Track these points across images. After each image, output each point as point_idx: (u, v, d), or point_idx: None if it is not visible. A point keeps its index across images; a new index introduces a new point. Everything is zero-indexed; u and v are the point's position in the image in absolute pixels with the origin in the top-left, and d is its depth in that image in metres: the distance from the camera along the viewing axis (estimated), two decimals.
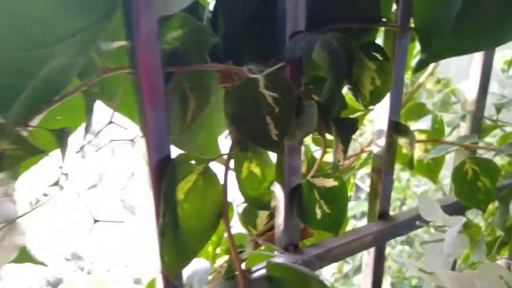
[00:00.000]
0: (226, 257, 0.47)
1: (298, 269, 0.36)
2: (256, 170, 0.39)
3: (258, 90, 0.30)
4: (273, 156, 0.40)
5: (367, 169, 0.96)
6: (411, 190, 1.23)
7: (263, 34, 0.37)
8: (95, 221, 0.27)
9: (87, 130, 0.30)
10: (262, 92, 0.31)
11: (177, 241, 0.32)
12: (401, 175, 1.31)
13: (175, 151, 0.33)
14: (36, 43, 0.23)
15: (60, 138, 0.26)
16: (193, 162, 0.33)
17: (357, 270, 1.00)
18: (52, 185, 0.27)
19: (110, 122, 0.30)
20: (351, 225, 0.79)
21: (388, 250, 1.24)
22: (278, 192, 0.40)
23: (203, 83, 0.32)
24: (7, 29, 0.22)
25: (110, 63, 0.31)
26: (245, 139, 0.33)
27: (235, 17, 0.35)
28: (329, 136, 0.39)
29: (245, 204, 0.46)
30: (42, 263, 0.36)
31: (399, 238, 1.55)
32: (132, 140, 0.33)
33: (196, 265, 0.41)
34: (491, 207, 0.50)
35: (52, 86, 0.26)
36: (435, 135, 0.53)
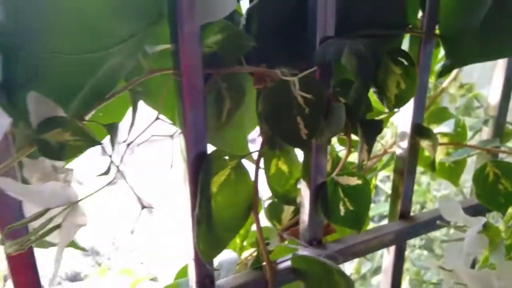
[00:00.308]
0: (252, 250, 0.49)
1: (322, 262, 0.38)
2: (284, 167, 0.41)
3: (290, 92, 0.33)
4: (299, 155, 0.42)
5: (387, 172, 0.97)
6: (431, 194, 1.23)
7: (294, 39, 0.39)
8: (143, 207, 0.29)
9: (132, 125, 0.33)
10: (293, 94, 0.33)
11: (211, 230, 0.34)
12: (421, 178, 1.31)
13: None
14: (96, 47, 0.25)
15: (111, 131, 0.29)
16: (226, 158, 0.35)
17: (376, 271, 1.00)
18: (100, 175, 0.30)
19: (157, 118, 0.32)
20: (369, 227, 0.80)
21: (407, 253, 1.25)
22: (304, 189, 0.42)
23: (238, 84, 0.34)
24: (75, 33, 0.24)
25: (153, 65, 0.33)
26: (276, 137, 0.35)
27: (268, 23, 0.37)
28: (354, 137, 0.41)
29: (271, 200, 0.49)
30: (83, 249, 0.39)
31: (418, 243, 1.54)
32: (171, 136, 0.35)
33: (225, 256, 0.43)
34: (511, 210, 0.51)
35: (105, 85, 0.29)
36: (457, 139, 0.54)
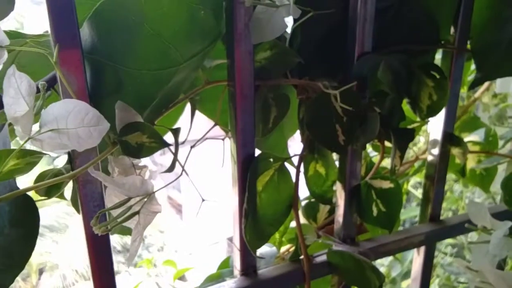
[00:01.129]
0: (288, 246, 0.53)
1: (355, 257, 0.42)
2: (321, 170, 0.45)
3: (330, 103, 0.37)
4: (335, 159, 0.46)
5: (418, 178, 0.99)
6: (463, 202, 1.23)
7: (333, 54, 0.43)
8: (203, 200, 0.34)
9: (190, 129, 0.38)
10: (333, 104, 0.37)
11: (256, 224, 0.39)
12: (454, 186, 1.31)
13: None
14: (168, 64, 0.30)
15: (175, 134, 0.34)
16: (271, 159, 0.39)
17: (405, 275, 1.02)
18: (165, 172, 0.35)
19: (216, 125, 0.37)
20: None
21: (438, 260, 1.25)
22: (339, 191, 0.45)
23: (283, 94, 0.39)
24: (152, 54, 0.29)
25: (209, 77, 0.38)
26: (317, 142, 0.39)
27: (310, 39, 0.41)
28: (386, 143, 0.45)
29: (308, 200, 0.52)
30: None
31: (450, 251, 1.54)
32: (223, 139, 0.40)
33: (265, 249, 0.48)
34: None
35: (172, 95, 0.34)
36: (488, 147, 0.56)
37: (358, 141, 0.40)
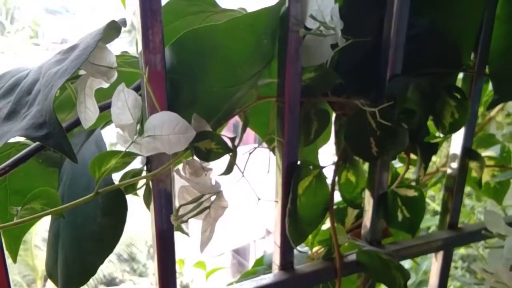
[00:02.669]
0: (318, 247, 0.58)
1: (382, 256, 0.47)
2: (352, 178, 0.50)
3: (366, 118, 0.42)
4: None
5: (432, 191, 1.03)
6: (475, 216, 1.27)
7: (366, 75, 0.48)
8: (259, 199, 0.39)
9: (240, 139, 0.43)
10: (368, 120, 0.42)
11: (296, 223, 0.44)
12: (466, 201, 1.35)
13: None
14: (234, 83, 0.36)
15: (233, 142, 0.39)
16: (311, 167, 0.44)
17: (419, 284, 1.06)
18: (221, 174, 0.40)
19: (270, 135, 0.42)
20: None
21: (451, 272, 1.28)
22: (368, 197, 0.50)
23: (324, 110, 0.44)
24: (222, 74, 0.35)
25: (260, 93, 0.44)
26: (351, 153, 0.44)
27: (347, 62, 0.47)
28: (411, 156, 0.50)
29: (336, 206, 0.57)
30: (187, 234, 0.50)
31: (460, 265, 1.57)
32: (272, 148, 0.45)
33: (298, 249, 0.52)
34: None
35: (232, 109, 0.39)
36: (503, 162, 0.61)
37: (388, 153, 0.45)
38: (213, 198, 0.34)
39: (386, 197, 0.50)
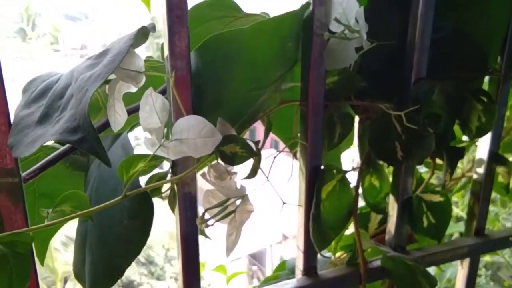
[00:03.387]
0: (341, 253, 0.57)
1: (407, 262, 0.46)
2: (376, 182, 0.49)
3: (391, 122, 0.41)
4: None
5: (455, 197, 1.01)
6: (500, 222, 1.24)
7: (389, 79, 0.47)
8: (283, 203, 0.39)
9: (263, 143, 0.43)
10: (393, 123, 0.41)
11: (320, 228, 0.43)
12: (490, 207, 1.32)
13: None
14: (259, 87, 0.36)
15: (257, 145, 0.39)
16: (335, 171, 0.44)
17: None
18: (246, 178, 0.40)
19: (294, 139, 0.42)
20: None
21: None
22: (392, 202, 0.50)
23: (347, 113, 0.44)
24: (247, 78, 0.35)
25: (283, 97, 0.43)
26: (377, 157, 0.44)
27: (370, 65, 0.46)
28: (437, 160, 0.49)
29: (359, 211, 0.57)
30: (209, 238, 0.50)
31: (484, 272, 1.53)
32: (294, 153, 0.45)
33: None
34: None
35: (256, 113, 0.39)
36: None
37: (414, 158, 0.44)
38: (238, 202, 0.34)
39: (411, 202, 0.49)
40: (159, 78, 0.37)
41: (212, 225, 0.33)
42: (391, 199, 0.50)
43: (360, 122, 0.46)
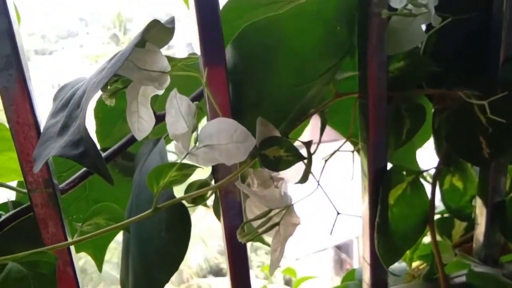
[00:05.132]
0: (418, 263, 0.50)
1: (501, 280, 0.38)
2: (458, 184, 0.42)
3: (473, 112, 0.34)
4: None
5: None
6: None
7: (471, 60, 0.40)
8: (338, 213, 0.34)
9: (318, 143, 0.38)
10: (477, 114, 0.34)
11: (388, 239, 0.38)
12: None
13: None
14: (304, 80, 0.31)
15: (308, 147, 0.35)
16: (404, 173, 0.38)
17: None
18: (297, 183, 0.36)
19: (348, 139, 0.37)
20: None
21: None
22: (480, 207, 0.42)
23: (418, 105, 0.37)
24: (290, 71, 0.31)
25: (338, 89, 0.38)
26: (458, 156, 0.37)
27: (445, 45, 0.39)
28: None
29: (440, 215, 0.49)
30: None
31: None
32: (352, 152, 0.40)
33: (394, 264, 0.46)
34: None
35: (306, 109, 0.35)
36: None
37: (504, 154, 0.36)
38: (283, 212, 0.30)
39: (503, 206, 0.41)
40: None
41: (253, 239, 0.29)
42: (478, 203, 0.42)
43: (435, 114, 0.39)
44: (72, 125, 0.24)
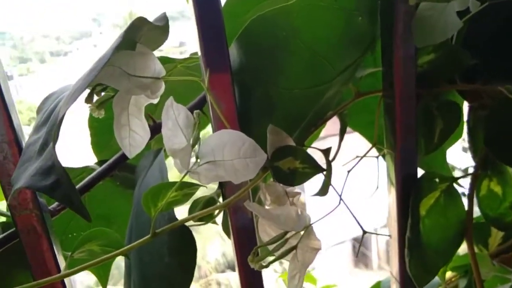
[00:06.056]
0: (451, 274, 0.46)
1: None
2: (497, 189, 0.37)
3: None
4: None
5: None
6: None
7: (511, 50, 0.35)
8: (364, 232, 0.30)
9: (339, 147, 0.34)
10: None
11: (421, 255, 0.33)
12: None
13: None
14: (319, 81, 0.27)
15: (326, 155, 0.31)
16: (437, 180, 0.33)
17: None
18: (315, 195, 0.32)
19: (374, 145, 0.33)
20: None
21: None
22: None
23: (451, 103, 0.33)
24: (302, 72, 0.27)
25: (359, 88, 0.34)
26: (499, 160, 0.32)
27: (481, 35, 0.34)
28: None
29: (475, 222, 0.45)
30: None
31: None
32: (377, 157, 0.35)
33: None
34: None
35: (323, 113, 0.31)
36: None
37: None
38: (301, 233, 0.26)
39: None
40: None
41: (267, 266, 0.25)
42: None
43: (470, 112, 0.35)
44: (50, 144, 0.21)
